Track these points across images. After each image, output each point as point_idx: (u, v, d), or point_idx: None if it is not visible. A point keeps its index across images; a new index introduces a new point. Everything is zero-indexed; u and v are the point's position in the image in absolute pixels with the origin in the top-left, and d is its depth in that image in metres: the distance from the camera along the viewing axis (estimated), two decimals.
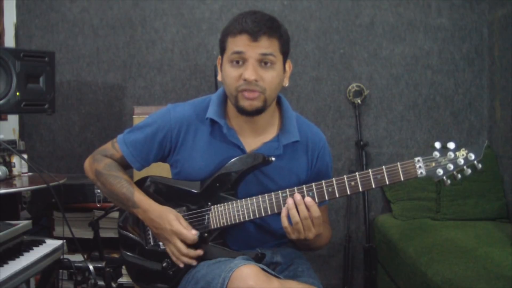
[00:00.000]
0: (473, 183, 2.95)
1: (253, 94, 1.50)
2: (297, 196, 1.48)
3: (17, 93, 2.47)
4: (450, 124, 3.22)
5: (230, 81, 1.52)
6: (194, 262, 1.56)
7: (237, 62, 1.51)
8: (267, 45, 1.49)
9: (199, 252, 1.56)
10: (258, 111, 1.54)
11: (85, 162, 1.75)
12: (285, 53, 1.56)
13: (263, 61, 1.50)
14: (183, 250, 1.54)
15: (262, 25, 1.48)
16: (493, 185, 2.98)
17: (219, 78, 1.61)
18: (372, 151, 3.22)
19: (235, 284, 1.37)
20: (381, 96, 3.22)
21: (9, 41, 3.20)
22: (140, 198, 1.60)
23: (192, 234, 1.53)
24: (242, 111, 1.54)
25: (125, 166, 1.70)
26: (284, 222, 1.49)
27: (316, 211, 1.47)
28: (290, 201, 1.48)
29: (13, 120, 3.17)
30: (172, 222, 1.54)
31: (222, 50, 1.56)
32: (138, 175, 1.85)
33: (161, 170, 1.82)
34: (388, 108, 3.23)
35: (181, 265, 1.57)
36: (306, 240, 1.52)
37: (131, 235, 1.71)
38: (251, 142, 1.62)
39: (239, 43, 1.49)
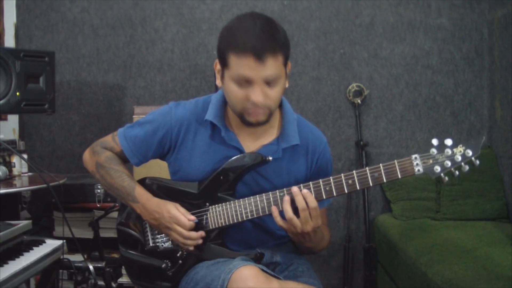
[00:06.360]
0: (473, 183, 2.95)
1: (260, 112, 1.49)
2: (294, 188, 1.48)
3: (17, 93, 2.47)
4: (450, 124, 3.22)
5: (235, 100, 1.50)
6: (200, 241, 1.57)
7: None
8: (273, 66, 1.44)
9: (201, 233, 1.56)
10: (263, 123, 1.54)
11: (84, 154, 1.76)
12: (287, 61, 1.52)
13: (269, 81, 1.47)
14: (185, 234, 1.54)
15: (266, 42, 1.41)
16: (493, 185, 2.97)
17: (218, 84, 1.57)
18: (372, 151, 3.22)
19: (234, 286, 1.37)
20: (381, 96, 3.22)
21: (9, 41, 3.20)
22: (141, 193, 1.61)
23: (188, 219, 1.54)
24: (247, 124, 1.54)
25: (124, 160, 1.70)
26: (278, 221, 1.49)
27: (312, 201, 1.46)
28: (286, 197, 1.49)
29: (13, 120, 3.17)
30: (170, 210, 1.55)
31: (223, 64, 1.49)
32: (137, 173, 1.85)
33: (160, 170, 1.82)
34: (388, 108, 3.23)
35: (191, 248, 1.57)
36: (304, 237, 1.51)
37: (131, 231, 1.71)
38: (250, 145, 1.62)
39: (244, 66, 1.42)
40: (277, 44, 1.44)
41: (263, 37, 1.41)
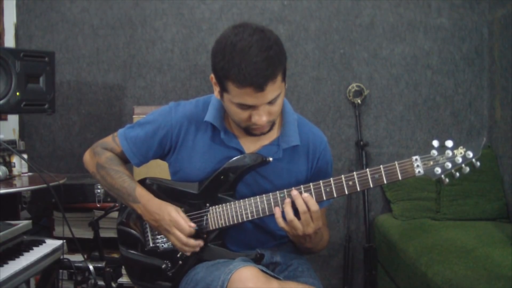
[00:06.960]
0: (473, 183, 2.95)
1: (264, 127, 1.50)
2: (294, 191, 1.49)
3: (17, 93, 2.47)
4: (450, 124, 3.22)
5: (238, 119, 1.50)
6: (197, 249, 1.57)
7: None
8: (273, 89, 1.42)
9: (199, 242, 1.56)
10: (267, 133, 1.55)
11: (84, 154, 1.76)
12: (285, 70, 1.47)
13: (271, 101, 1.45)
14: (183, 240, 1.54)
15: (265, 71, 1.37)
16: (493, 185, 2.97)
17: (216, 96, 1.54)
18: (372, 151, 3.22)
19: (234, 286, 1.37)
20: (381, 96, 3.22)
21: (9, 41, 3.20)
22: (141, 193, 1.61)
23: (189, 225, 1.54)
24: (250, 135, 1.55)
25: (125, 160, 1.70)
26: (280, 223, 1.49)
27: (314, 204, 1.47)
28: (287, 200, 1.49)
29: (13, 120, 3.17)
30: (172, 213, 1.55)
31: (222, 88, 1.45)
32: (138, 173, 1.85)
33: (160, 170, 1.82)
34: (388, 108, 3.22)
35: (188, 254, 1.58)
36: (305, 238, 1.51)
37: (131, 231, 1.72)
38: (251, 145, 1.62)
39: (244, 96, 1.40)
40: (275, 67, 1.39)
41: (261, 65, 1.36)
